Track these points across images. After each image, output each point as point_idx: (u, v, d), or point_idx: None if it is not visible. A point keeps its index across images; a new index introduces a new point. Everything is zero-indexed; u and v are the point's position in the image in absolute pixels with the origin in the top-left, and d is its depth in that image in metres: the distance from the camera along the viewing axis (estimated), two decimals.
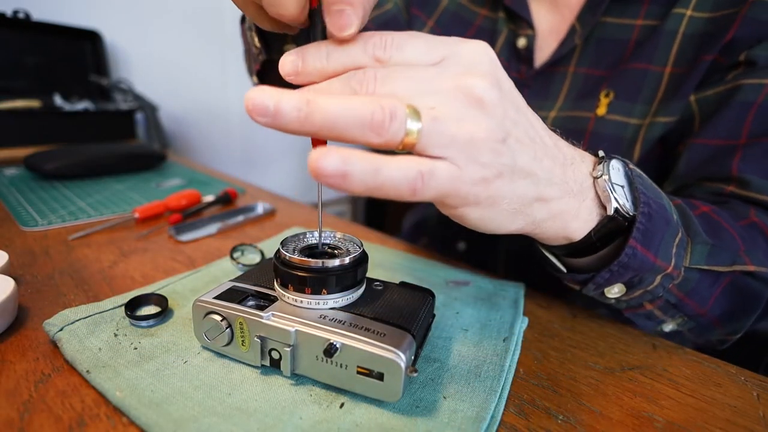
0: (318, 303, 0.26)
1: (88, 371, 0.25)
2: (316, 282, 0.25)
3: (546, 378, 0.28)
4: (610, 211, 0.27)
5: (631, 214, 0.28)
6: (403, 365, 0.22)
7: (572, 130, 0.50)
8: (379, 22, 0.62)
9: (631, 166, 0.30)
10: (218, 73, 1.38)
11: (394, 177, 0.18)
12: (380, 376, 0.23)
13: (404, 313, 0.26)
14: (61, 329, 0.28)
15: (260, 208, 0.59)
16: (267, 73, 0.51)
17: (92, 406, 0.23)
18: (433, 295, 0.29)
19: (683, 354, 0.32)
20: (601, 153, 0.30)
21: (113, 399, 0.23)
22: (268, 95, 0.18)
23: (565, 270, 0.33)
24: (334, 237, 0.30)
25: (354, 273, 0.26)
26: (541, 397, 0.26)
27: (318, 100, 0.18)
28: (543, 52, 0.52)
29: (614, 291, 0.31)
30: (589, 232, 0.29)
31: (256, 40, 0.43)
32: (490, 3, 0.56)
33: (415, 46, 0.21)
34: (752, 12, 0.39)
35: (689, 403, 0.26)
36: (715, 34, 0.42)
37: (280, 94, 0.18)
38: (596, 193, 0.28)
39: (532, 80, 0.52)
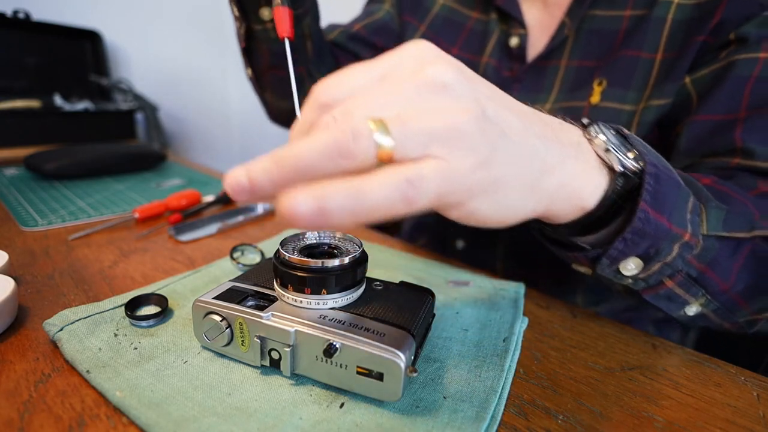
0: (318, 303, 0.26)
1: (88, 371, 0.25)
2: (315, 282, 0.25)
3: (546, 378, 0.28)
4: (618, 167, 0.26)
5: (638, 167, 0.26)
6: (402, 365, 0.22)
7: None
8: (371, 29, 0.62)
9: (624, 131, 0.28)
10: (218, 73, 1.38)
11: (381, 194, 0.17)
12: (380, 376, 0.23)
13: (404, 313, 0.26)
14: (61, 329, 0.28)
15: (260, 208, 0.59)
16: (253, 54, 0.52)
17: (92, 406, 0.23)
18: (433, 295, 0.29)
19: (683, 354, 0.32)
20: (585, 120, 0.28)
21: (113, 399, 0.23)
22: (239, 172, 0.18)
23: (582, 244, 0.29)
24: (334, 237, 0.30)
25: (354, 273, 0.26)
26: (541, 397, 0.26)
27: (282, 152, 0.18)
28: (535, 49, 0.53)
29: (630, 267, 0.29)
30: (605, 195, 0.26)
31: (234, 9, 0.44)
32: (482, 5, 0.57)
33: (354, 75, 0.20)
34: None
35: (689, 403, 0.26)
36: (704, 17, 0.42)
37: (248, 165, 0.18)
38: (597, 155, 0.26)
39: (524, 75, 0.53)
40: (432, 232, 0.66)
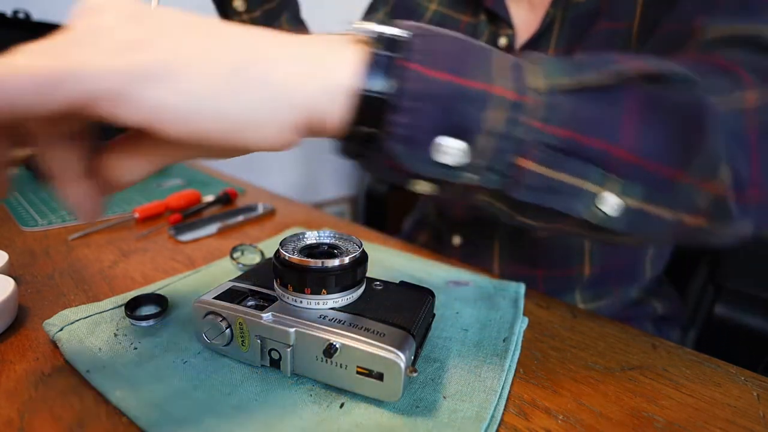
0: (318, 303, 0.26)
1: (88, 371, 0.25)
2: (315, 282, 0.25)
3: (546, 378, 0.28)
4: (372, 34, 0.22)
5: (402, 34, 0.22)
6: (402, 365, 0.22)
7: None
8: None
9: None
10: None
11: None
12: (380, 376, 0.23)
13: (404, 313, 0.26)
14: (61, 329, 0.28)
15: (260, 208, 0.59)
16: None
17: (92, 406, 0.23)
18: (433, 295, 0.29)
19: (683, 354, 0.32)
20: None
21: (113, 399, 0.23)
22: None
23: (362, 130, 0.22)
24: (334, 237, 0.30)
25: (354, 273, 0.26)
26: (541, 397, 0.26)
27: None
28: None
29: (447, 149, 0.22)
30: (370, 70, 0.21)
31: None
32: (471, 8, 0.57)
33: None
34: None
35: (689, 403, 0.26)
36: None
37: None
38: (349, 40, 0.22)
39: None
40: (432, 229, 0.67)
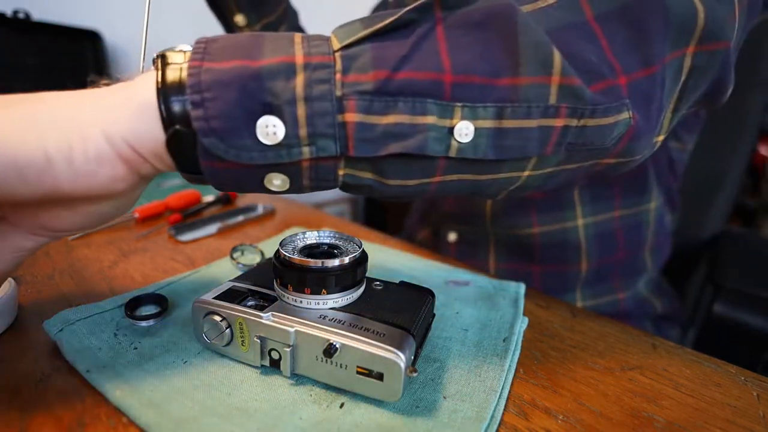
0: (318, 303, 0.26)
1: (88, 371, 0.25)
2: (315, 282, 0.25)
3: (546, 378, 0.28)
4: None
5: (184, 48, 0.22)
6: (402, 365, 0.22)
7: None
8: None
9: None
10: None
11: None
12: (380, 376, 0.23)
13: (404, 313, 0.26)
14: (61, 329, 0.28)
15: (260, 208, 0.59)
16: None
17: (92, 406, 0.23)
18: (433, 295, 0.30)
19: (683, 354, 0.32)
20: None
21: (113, 399, 0.23)
22: None
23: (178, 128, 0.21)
24: (334, 237, 0.30)
25: (354, 273, 0.26)
26: (541, 397, 0.26)
27: None
28: None
29: (269, 129, 0.21)
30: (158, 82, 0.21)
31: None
32: None
33: None
34: None
35: (689, 403, 0.26)
36: None
37: None
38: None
39: None
40: (430, 226, 0.67)
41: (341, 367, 0.24)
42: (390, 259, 0.44)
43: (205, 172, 0.22)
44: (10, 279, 0.30)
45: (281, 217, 0.58)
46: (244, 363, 0.27)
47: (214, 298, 0.27)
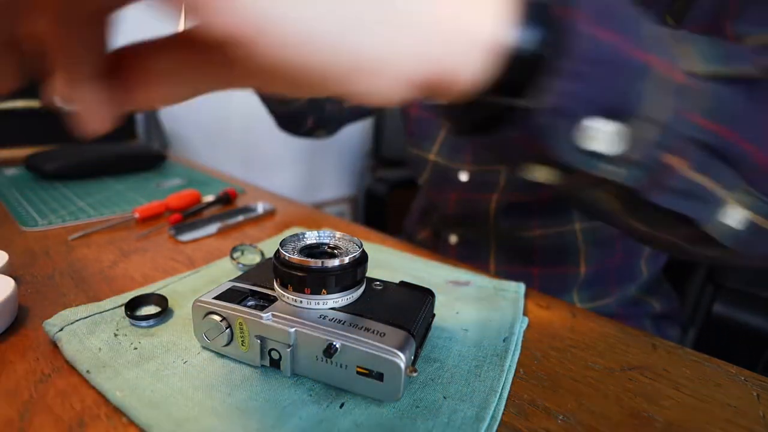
0: (317, 303, 0.26)
1: (88, 371, 0.25)
2: (315, 282, 0.25)
3: (546, 378, 0.28)
4: None
5: None
6: (402, 365, 0.22)
7: None
8: None
9: None
10: None
11: None
12: (380, 376, 0.23)
13: (404, 313, 0.26)
14: (61, 329, 0.28)
15: (260, 208, 0.59)
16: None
17: (92, 406, 0.23)
18: (433, 295, 0.29)
19: (683, 354, 0.32)
20: None
21: (113, 399, 0.23)
22: None
23: (515, 104, 0.18)
24: (334, 237, 0.30)
25: (354, 273, 0.26)
26: (541, 397, 0.26)
27: None
28: None
29: (599, 132, 0.18)
30: (523, 21, 0.16)
31: None
32: None
33: None
34: None
35: (689, 403, 0.26)
36: None
37: None
38: None
39: None
40: (431, 227, 0.67)
41: (341, 367, 0.24)
42: (390, 259, 0.44)
43: (489, 139, 0.19)
44: (10, 279, 0.30)
45: (281, 217, 0.58)
46: (244, 363, 0.27)
47: (214, 298, 0.27)
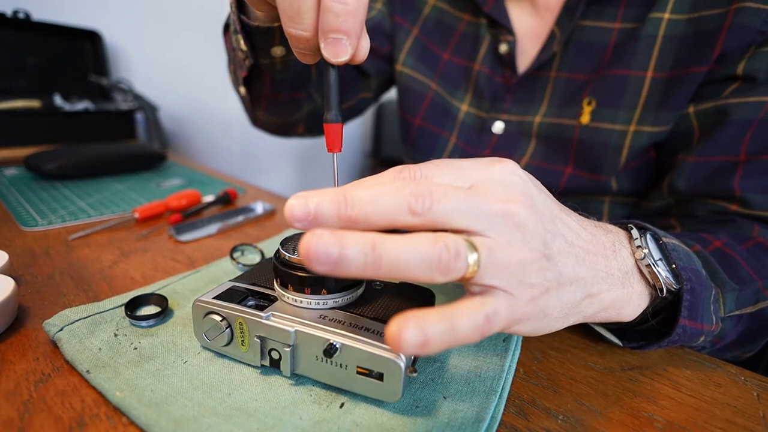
0: (318, 303, 0.26)
1: (88, 371, 0.25)
2: (315, 282, 0.25)
3: (546, 378, 0.28)
4: (664, 293, 0.27)
5: (675, 287, 0.27)
6: (402, 365, 0.22)
7: (559, 138, 0.50)
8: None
9: (663, 239, 0.28)
10: (218, 73, 1.38)
11: (467, 329, 0.18)
12: (380, 376, 0.23)
13: None
14: (61, 329, 0.28)
15: (260, 208, 0.59)
16: (254, 81, 0.51)
17: (92, 406, 0.23)
18: (433, 296, 0.29)
19: (683, 354, 0.32)
20: (630, 226, 0.29)
21: (113, 399, 0.23)
22: (332, 241, 0.17)
23: (620, 343, 0.31)
24: None
25: None
26: (541, 397, 0.26)
27: (385, 244, 0.17)
28: (525, 56, 0.53)
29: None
30: (643, 312, 0.28)
31: (242, 43, 0.42)
32: (472, 7, 0.56)
33: (444, 174, 0.21)
34: (738, 19, 0.39)
35: (689, 403, 0.26)
36: (702, 43, 0.41)
37: (343, 239, 0.17)
38: (640, 273, 0.27)
39: (516, 86, 0.53)
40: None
41: (341, 367, 0.24)
42: None
43: (645, 343, 0.31)
44: (10, 279, 0.30)
45: (281, 217, 0.58)
46: (244, 363, 0.27)
47: (214, 297, 0.27)
